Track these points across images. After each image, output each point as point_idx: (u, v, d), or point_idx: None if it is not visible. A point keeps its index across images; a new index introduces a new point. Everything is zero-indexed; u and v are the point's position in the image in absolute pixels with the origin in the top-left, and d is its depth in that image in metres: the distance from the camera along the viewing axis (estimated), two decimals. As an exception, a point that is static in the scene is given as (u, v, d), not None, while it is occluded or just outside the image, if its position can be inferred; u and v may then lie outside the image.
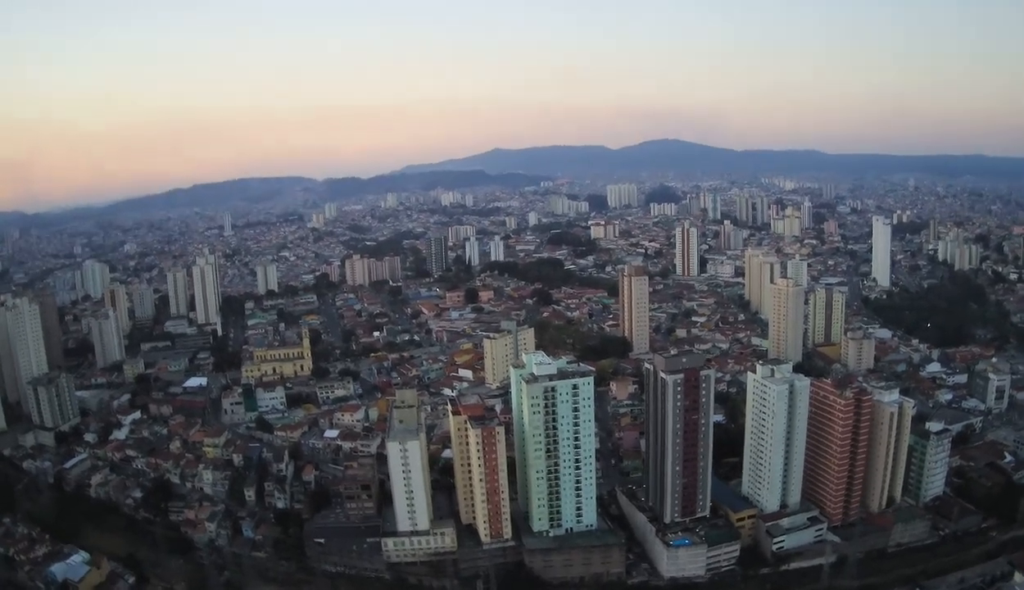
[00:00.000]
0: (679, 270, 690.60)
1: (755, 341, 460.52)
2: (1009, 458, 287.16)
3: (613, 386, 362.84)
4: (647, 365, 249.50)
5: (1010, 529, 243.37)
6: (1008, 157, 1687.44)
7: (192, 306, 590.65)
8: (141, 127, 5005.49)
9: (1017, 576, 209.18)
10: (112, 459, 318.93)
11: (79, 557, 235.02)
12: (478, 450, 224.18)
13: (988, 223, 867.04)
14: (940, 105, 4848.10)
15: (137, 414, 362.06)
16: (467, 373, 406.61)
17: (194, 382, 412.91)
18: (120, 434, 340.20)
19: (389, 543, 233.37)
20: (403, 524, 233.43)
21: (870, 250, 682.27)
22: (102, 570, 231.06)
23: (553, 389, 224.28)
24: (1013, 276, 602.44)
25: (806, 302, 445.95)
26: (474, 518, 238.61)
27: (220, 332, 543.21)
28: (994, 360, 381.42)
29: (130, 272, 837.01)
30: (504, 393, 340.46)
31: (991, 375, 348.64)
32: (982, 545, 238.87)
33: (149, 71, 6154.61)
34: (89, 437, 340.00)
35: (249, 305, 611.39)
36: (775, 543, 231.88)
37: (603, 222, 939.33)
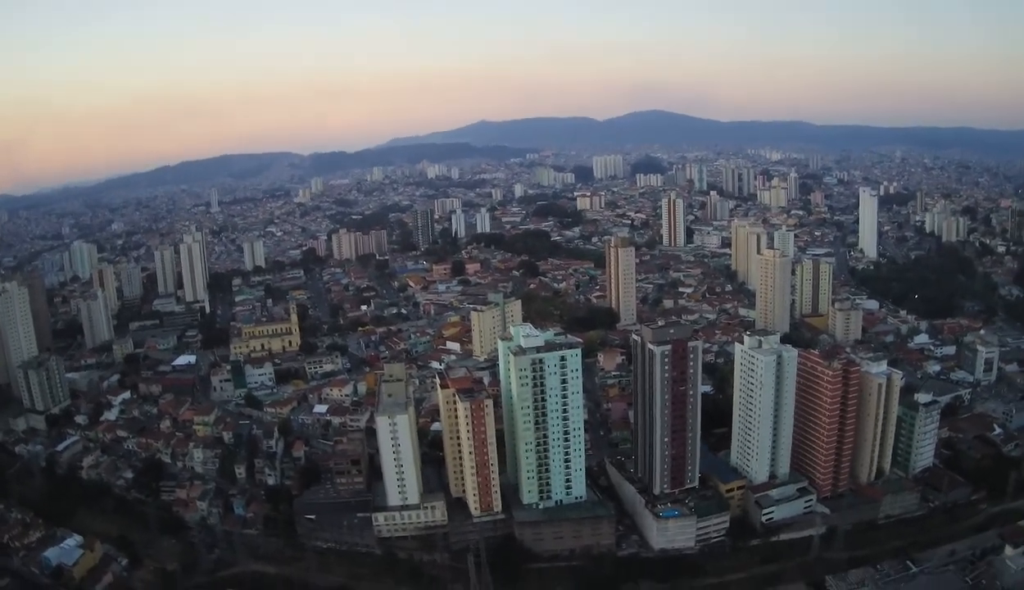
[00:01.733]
0: (665, 241, 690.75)
1: (742, 312, 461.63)
2: (998, 430, 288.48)
3: (601, 357, 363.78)
4: (634, 336, 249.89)
5: (1000, 501, 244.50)
6: (996, 130, 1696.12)
7: (180, 284, 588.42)
8: (127, 105, 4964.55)
9: (1007, 549, 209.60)
10: (103, 440, 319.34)
11: (72, 541, 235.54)
12: (467, 423, 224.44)
13: (975, 196, 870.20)
14: (928, 77, 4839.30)
15: (127, 394, 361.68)
16: (455, 346, 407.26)
17: (183, 360, 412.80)
18: (110, 415, 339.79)
19: (379, 518, 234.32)
20: (393, 499, 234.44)
21: (857, 221, 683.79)
22: (95, 553, 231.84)
23: (541, 361, 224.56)
24: (1001, 248, 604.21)
25: (793, 273, 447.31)
26: (464, 491, 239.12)
27: (208, 309, 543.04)
28: (982, 332, 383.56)
29: (118, 251, 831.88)
30: (492, 365, 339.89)
31: (980, 347, 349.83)
32: (972, 517, 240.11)
33: (133, 49, 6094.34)
34: (80, 419, 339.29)
35: (236, 281, 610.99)
36: (764, 514, 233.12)
37: (589, 193, 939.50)
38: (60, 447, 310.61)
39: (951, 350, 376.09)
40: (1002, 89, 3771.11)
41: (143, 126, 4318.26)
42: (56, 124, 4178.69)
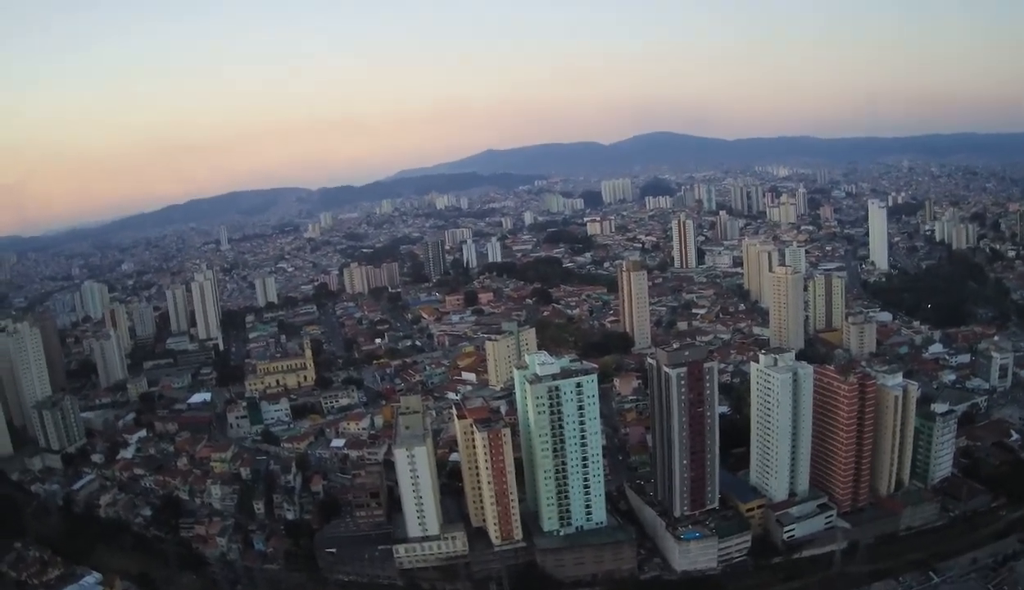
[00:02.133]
0: (677, 263, 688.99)
1: (756, 330, 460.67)
2: (1015, 436, 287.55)
3: (617, 382, 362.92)
4: (650, 360, 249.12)
5: (1020, 507, 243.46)
6: (999, 133, 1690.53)
7: (193, 322, 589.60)
8: (133, 146, 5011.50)
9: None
10: (120, 478, 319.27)
11: (92, 578, 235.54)
12: (485, 453, 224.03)
13: (983, 201, 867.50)
14: (929, 84, 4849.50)
15: (143, 432, 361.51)
16: (470, 376, 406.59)
17: (198, 398, 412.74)
18: (127, 453, 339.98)
19: (400, 549, 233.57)
20: (413, 530, 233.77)
21: (867, 233, 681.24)
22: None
23: (557, 388, 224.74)
24: (1011, 253, 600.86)
25: (805, 289, 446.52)
26: (484, 520, 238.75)
27: (222, 347, 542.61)
28: (996, 338, 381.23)
29: (129, 291, 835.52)
30: (508, 394, 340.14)
31: (994, 354, 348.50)
32: (992, 524, 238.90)
33: (138, 89, 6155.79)
34: (96, 458, 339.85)
35: (249, 318, 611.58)
36: (786, 532, 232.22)
37: (599, 218, 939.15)
38: (77, 486, 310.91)
39: (966, 358, 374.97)
40: (1004, 93, 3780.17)
41: (149, 166, 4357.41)
42: (61, 166, 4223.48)
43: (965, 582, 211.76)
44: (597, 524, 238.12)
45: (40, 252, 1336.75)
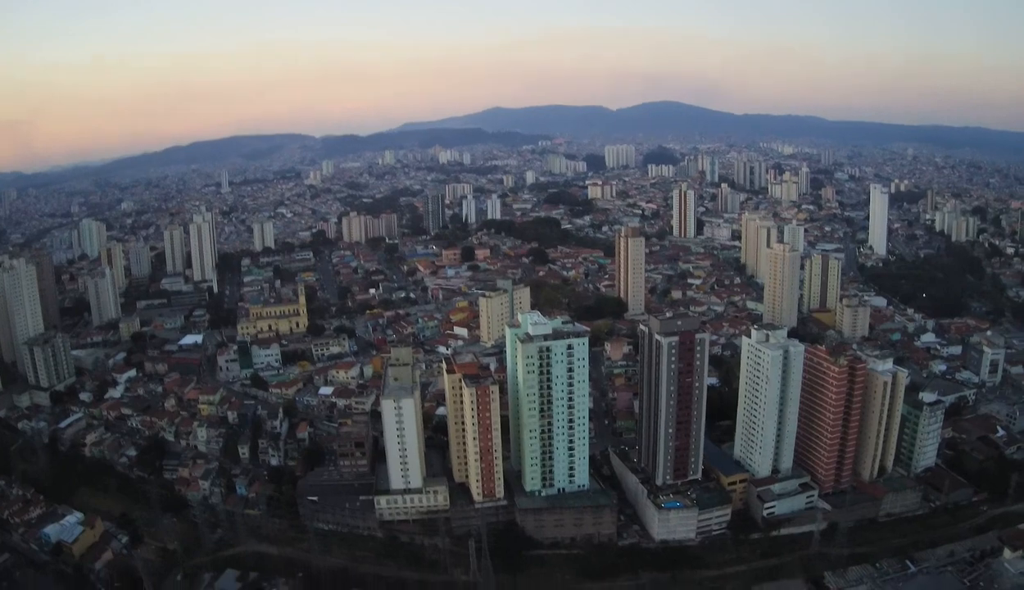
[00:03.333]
0: (676, 232, 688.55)
1: (750, 305, 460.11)
2: (1001, 432, 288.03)
3: (608, 347, 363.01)
4: (642, 327, 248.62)
5: (1001, 504, 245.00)
6: (1008, 131, 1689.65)
7: (188, 263, 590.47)
8: (139, 85, 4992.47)
9: (1006, 552, 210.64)
10: (107, 418, 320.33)
11: (73, 518, 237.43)
12: (472, 409, 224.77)
13: (986, 196, 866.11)
14: (942, 76, 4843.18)
15: (132, 372, 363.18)
16: (462, 331, 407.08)
17: (189, 339, 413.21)
18: (115, 393, 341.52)
19: (382, 501, 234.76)
20: (396, 482, 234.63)
21: (867, 218, 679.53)
22: (96, 530, 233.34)
23: (548, 349, 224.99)
24: (1010, 250, 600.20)
25: (802, 267, 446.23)
26: (467, 477, 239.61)
27: (216, 289, 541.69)
28: (989, 333, 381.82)
29: (127, 230, 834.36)
30: (499, 352, 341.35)
31: (986, 348, 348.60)
32: (972, 519, 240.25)
33: (146, 28, 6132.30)
34: (84, 396, 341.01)
35: (245, 262, 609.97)
36: (766, 508, 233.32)
37: (600, 182, 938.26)
38: (64, 424, 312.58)
39: (957, 350, 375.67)
40: (1016, 91, 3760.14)
41: (155, 106, 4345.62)
42: (67, 104, 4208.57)
43: (941, 574, 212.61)
44: (579, 487, 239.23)
45: (41, 188, 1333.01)
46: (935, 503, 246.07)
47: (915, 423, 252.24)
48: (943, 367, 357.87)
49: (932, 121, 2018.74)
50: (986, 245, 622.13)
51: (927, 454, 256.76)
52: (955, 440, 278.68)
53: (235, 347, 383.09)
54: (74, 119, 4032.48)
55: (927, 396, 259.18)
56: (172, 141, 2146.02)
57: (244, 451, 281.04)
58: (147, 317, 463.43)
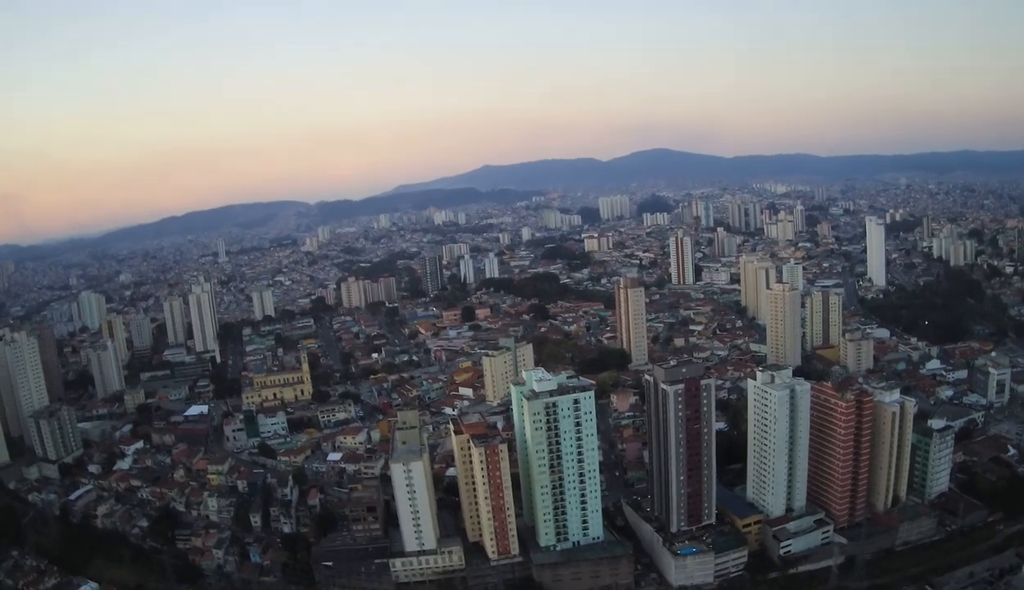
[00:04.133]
0: (675, 279, 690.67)
1: (754, 347, 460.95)
2: (1012, 451, 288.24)
3: (614, 398, 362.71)
4: (647, 376, 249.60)
5: (1017, 522, 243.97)
6: (997, 151, 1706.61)
7: (190, 334, 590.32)
8: (131, 157, 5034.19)
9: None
10: (117, 489, 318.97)
11: (88, 588, 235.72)
12: (482, 468, 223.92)
13: (981, 218, 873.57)
14: (927, 102, 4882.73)
15: (140, 444, 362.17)
16: (467, 391, 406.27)
17: (195, 410, 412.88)
18: (124, 464, 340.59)
19: (397, 563, 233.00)
20: (410, 544, 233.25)
21: (864, 250, 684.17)
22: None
23: (554, 404, 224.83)
24: (1009, 269, 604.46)
25: (803, 305, 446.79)
26: (481, 535, 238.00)
27: (219, 359, 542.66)
28: (993, 354, 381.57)
29: (126, 302, 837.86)
30: (505, 410, 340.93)
31: (991, 369, 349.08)
32: (989, 539, 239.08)
33: (137, 100, 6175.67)
34: (93, 468, 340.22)
35: (247, 331, 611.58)
36: (782, 547, 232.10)
37: (596, 234, 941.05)
38: (74, 496, 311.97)
39: (963, 374, 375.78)
40: (1000, 110, 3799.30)
41: (147, 178, 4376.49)
42: (60, 176, 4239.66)
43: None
44: (594, 539, 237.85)
45: (38, 261, 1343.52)
46: (951, 527, 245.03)
47: (926, 450, 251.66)
48: (950, 392, 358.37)
49: (922, 148, 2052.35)
50: (985, 267, 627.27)
51: (940, 480, 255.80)
52: (967, 463, 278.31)
53: (241, 416, 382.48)
54: (67, 191, 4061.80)
55: (936, 422, 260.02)
56: (167, 212, 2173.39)
57: (256, 519, 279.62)
58: (151, 388, 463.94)
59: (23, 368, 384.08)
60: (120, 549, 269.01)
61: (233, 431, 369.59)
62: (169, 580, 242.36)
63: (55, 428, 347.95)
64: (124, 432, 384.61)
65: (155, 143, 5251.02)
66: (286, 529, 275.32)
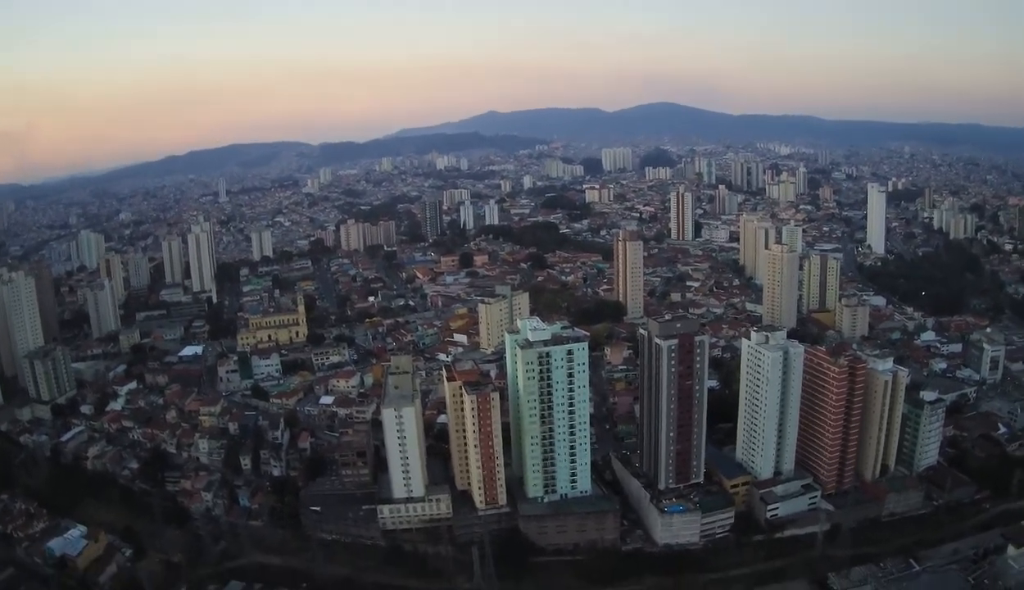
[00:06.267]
0: (674, 234, 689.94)
1: (749, 307, 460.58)
2: (1003, 429, 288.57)
3: (608, 351, 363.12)
4: (641, 330, 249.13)
5: (1003, 501, 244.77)
6: (1005, 127, 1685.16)
7: (187, 274, 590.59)
8: (135, 95, 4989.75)
9: (1010, 549, 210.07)
10: (109, 430, 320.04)
11: (76, 531, 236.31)
12: (473, 416, 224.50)
13: (984, 193, 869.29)
14: (938, 73, 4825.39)
15: (133, 384, 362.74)
16: (462, 338, 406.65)
17: (190, 351, 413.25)
18: (116, 405, 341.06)
19: (384, 510, 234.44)
20: (398, 491, 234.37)
21: (865, 217, 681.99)
22: (99, 543, 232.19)
23: (548, 355, 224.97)
24: (1008, 246, 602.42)
25: (801, 268, 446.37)
26: (469, 484, 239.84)
27: (215, 300, 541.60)
28: (988, 330, 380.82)
29: (125, 241, 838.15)
30: (499, 358, 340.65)
31: (986, 345, 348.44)
32: (976, 516, 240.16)
33: (141, 37, 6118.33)
34: (85, 409, 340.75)
35: (244, 272, 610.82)
36: (769, 510, 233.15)
37: (598, 186, 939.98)
38: (65, 437, 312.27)
39: (957, 348, 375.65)
40: (1011, 86, 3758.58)
41: (151, 116, 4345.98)
42: (62, 114, 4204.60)
43: (946, 572, 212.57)
44: (582, 493, 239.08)
45: (39, 200, 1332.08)
46: (938, 502, 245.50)
47: (916, 422, 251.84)
48: (943, 365, 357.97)
49: (929, 118, 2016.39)
50: (984, 242, 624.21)
51: (929, 453, 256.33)
52: (957, 438, 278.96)
53: (235, 358, 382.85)
54: (70, 129, 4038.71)
55: (928, 395, 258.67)
56: (169, 150, 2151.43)
57: (246, 462, 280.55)
58: (147, 329, 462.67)
59: (19, 308, 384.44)
60: (110, 491, 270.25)
61: (227, 372, 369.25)
62: (157, 522, 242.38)
63: (49, 369, 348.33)
64: (118, 372, 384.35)
65: (158, 81, 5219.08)
66: (276, 472, 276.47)
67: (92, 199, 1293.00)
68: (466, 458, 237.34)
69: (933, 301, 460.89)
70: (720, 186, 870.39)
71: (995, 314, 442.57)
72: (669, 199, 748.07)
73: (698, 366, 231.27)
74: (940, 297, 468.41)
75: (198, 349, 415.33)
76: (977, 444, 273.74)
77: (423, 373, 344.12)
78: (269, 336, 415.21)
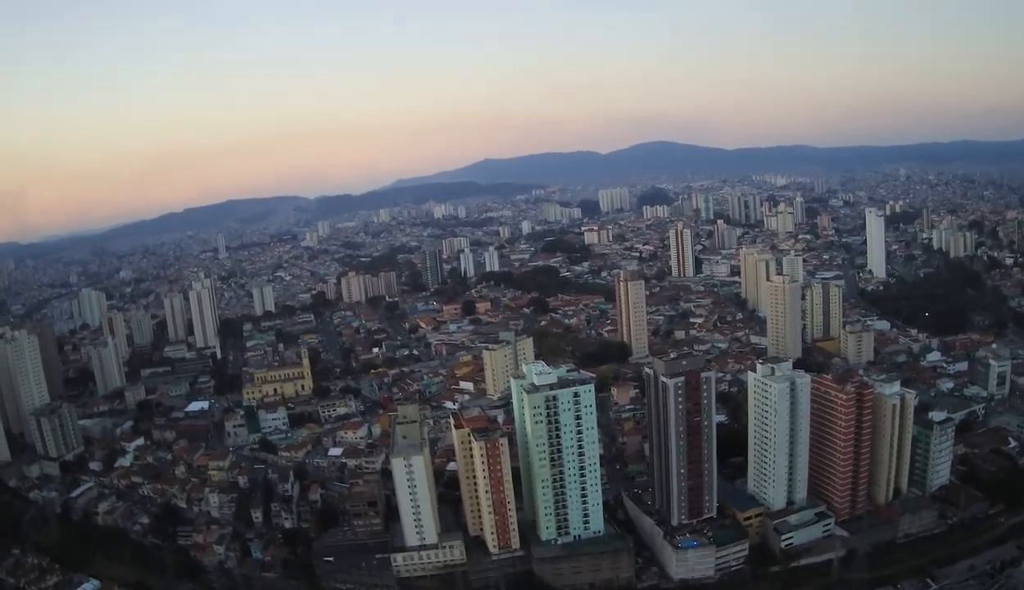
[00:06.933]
0: (675, 272, 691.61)
1: (754, 339, 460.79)
2: (1013, 443, 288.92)
3: (614, 391, 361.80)
4: (647, 369, 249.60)
5: (1018, 514, 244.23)
6: (997, 141, 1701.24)
7: (190, 330, 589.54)
8: (131, 154, 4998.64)
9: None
10: (118, 486, 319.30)
11: (90, 586, 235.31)
12: (483, 462, 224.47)
13: (981, 209, 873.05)
14: (926, 92, 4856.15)
15: (141, 440, 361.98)
16: (468, 385, 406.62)
17: (196, 406, 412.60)
18: (125, 461, 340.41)
19: (398, 558, 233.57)
20: (411, 539, 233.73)
21: (864, 242, 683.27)
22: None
23: (555, 398, 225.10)
24: (1009, 261, 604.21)
25: (803, 298, 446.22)
26: (482, 529, 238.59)
27: (219, 355, 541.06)
28: (994, 346, 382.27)
29: (127, 299, 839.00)
30: (506, 403, 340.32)
31: (992, 361, 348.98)
32: (990, 531, 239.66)
33: (136, 98, 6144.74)
34: (94, 465, 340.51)
35: (247, 327, 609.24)
36: (784, 540, 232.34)
37: (596, 227, 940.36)
38: (75, 493, 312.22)
39: (964, 366, 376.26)
40: (1001, 99, 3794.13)
41: (147, 174, 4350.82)
42: (60, 173, 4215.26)
43: (964, 589, 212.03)
44: (595, 533, 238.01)
45: (38, 259, 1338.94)
46: (952, 519, 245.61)
47: (927, 442, 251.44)
48: (951, 384, 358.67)
49: (922, 139, 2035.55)
50: (985, 258, 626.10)
51: (941, 472, 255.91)
52: (968, 455, 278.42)
53: (242, 412, 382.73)
54: (67, 188, 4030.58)
55: (937, 415, 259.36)
56: (166, 208, 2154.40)
57: (257, 515, 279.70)
58: (152, 385, 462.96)
59: (23, 366, 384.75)
60: (121, 546, 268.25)
61: (234, 427, 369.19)
62: (170, 577, 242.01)
63: (56, 425, 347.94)
64: (125, 429, 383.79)
65: (154, 140, 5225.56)
66: (287, 524, 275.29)
67: (92, 257, 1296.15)
68: (478, 504, 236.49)
69: (937, 321, 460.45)
70: (718, 221, 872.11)
71: (999, 329, 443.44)
72: (668, 237, 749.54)
73: (705, 402, 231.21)
74: (944, 316, 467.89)
75: (204, 404, 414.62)
76: (988, 459, 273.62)
77: (430, 422, 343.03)
78: (275, 390, 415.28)
